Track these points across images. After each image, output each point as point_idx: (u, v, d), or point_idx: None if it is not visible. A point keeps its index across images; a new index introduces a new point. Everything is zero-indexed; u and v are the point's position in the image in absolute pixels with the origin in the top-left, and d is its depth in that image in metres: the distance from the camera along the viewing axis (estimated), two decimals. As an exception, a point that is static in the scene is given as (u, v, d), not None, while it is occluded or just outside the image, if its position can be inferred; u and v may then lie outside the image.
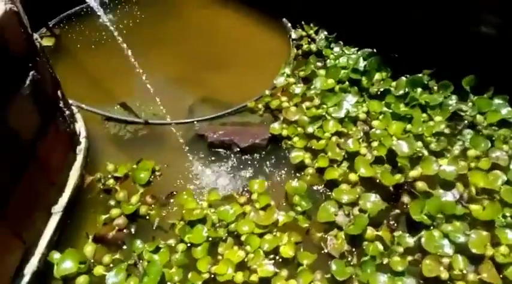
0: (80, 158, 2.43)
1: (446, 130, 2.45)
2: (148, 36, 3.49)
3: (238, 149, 2.54)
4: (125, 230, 2.15)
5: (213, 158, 2.54)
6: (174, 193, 2.30)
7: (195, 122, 2.77)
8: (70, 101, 2.53)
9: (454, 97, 2.62)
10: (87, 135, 2.61)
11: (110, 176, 2.38)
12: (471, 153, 2.28)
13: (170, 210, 2.24)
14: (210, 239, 2.09)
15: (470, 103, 2.55)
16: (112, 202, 2.26)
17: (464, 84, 2.59)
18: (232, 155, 2.54)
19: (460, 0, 2.46)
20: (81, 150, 2.47)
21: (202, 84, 3.14)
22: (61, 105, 2.29)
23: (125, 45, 2.66)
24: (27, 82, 1.86)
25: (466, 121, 2.50)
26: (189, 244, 2.07)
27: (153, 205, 2.24)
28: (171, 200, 2.27)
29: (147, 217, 2.22)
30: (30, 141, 1.92)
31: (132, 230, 2.18)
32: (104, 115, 2.85)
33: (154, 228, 2.17)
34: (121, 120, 2.82)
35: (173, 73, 3.23)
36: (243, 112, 2.86)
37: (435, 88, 2.69)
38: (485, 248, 1.85)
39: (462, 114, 2.54)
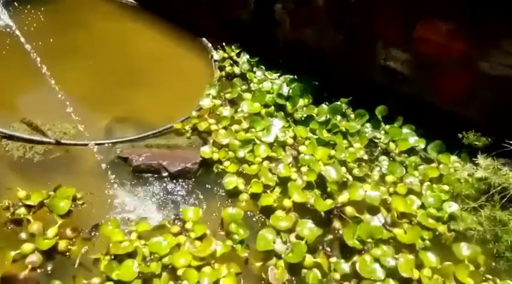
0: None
1: (365, 157, 2.64)
2: (55, 47, 3.13)
3: (167, 174, 2.39)
4: (39, 270, 1.85)
5: (140, 184, 2.35)
6: (99, 224, 2.05)
7: (116, 143, 2.53)
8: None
9: (368, 125, 2.84)
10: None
11: (20, 204, 2.04)
12: (389, 178, 2.49)
13: (94, 244, 1.99)
14: (142, 275, 1.90)
15: (383, 132, 2.79)
16: (23, 236, 1.94)
17: (377, 113, 2.82)
18: (161, 180, 2.38)
19: (369, 36, 2.70)
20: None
21: (119, 102, 2.90)
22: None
23: (33, 54, 2.33)
24: None
25: (380, 148, 2.72)
26: (117, 282, 1.85)
27: (74, 239, 1.98)
28: (95, 232, 2.02)
29: (67, 254, 1.95)
30: None
31: (49, 269, 1.89)
32: (2, 132, 2.44)
33: (75, 266, 1.90)
34: (25, 140, 2.45)
35: (86, 89, 2.93)
36: (169, 134, 2.71)
37: (352, 116, 2.90)
38: (412, 272, 2.02)
39: (377, 141, 2.76)
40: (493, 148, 2.29)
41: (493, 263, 2.07)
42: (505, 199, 2.11)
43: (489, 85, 2.36)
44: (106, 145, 2.52)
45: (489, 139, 2.32)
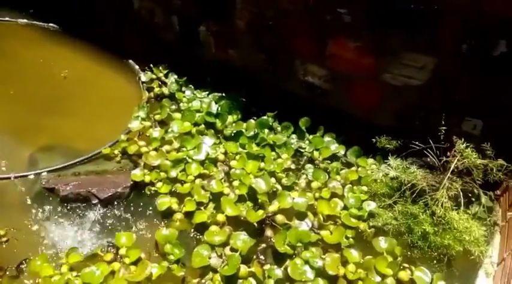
0: None
1: (292, 166, 2.80)
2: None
3: (98, 201, 2.36)
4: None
5: (68, 214, 2.30)
6: (26, 260, 1.98)
7: (41, 174, 2.46)
8: None
9: (294, 136, 3.01)
10: None
11: None
12: (314, 184, 2.66)
13: (23, 281, 1.92)
14: (75, 307, 1.87)
15: (307, 141, 2.98)
16: None
17: (301, 124, 3.01)
18: (91, 208, 2.34)
19: (287, 54, 2.89)
20: None
21: (44, 130, 2.83)
22: None
23: None
24: None
25: (306, 157, 2.90)
26: (49, 319, 1.81)
27: (0, 279, 1.88)
28: (23, 269, 1.95)
29: (-7, 295, 1.86)
30: None
31: (-27, 314, 1.79)
32: None
33: (2, 307, 1.83)
34: None
35: (6, 118, 2.83)
36: (98, 160, 2.68)
37: (279, 128, 3.05)
38: (338, 269, 2.17)
39: (302, 150, 2.94)
40: (402, 150, 2.54)
41: (409, 253, 2.28)
42: (415, 195, 2.36)
43: (394, 94, 2.63)
44: (30, 176, 2.44)
45: (399, 142, 2.56)
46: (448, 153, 2.38)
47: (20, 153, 2.58)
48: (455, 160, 2.33)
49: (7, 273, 1.93)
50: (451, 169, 2.33)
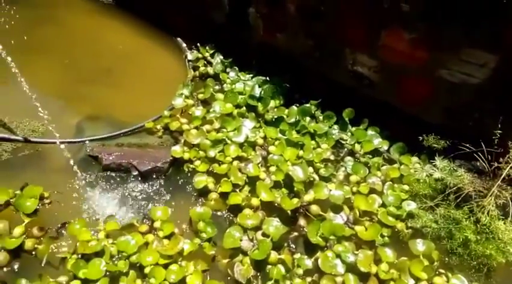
0: None
1: (332, 157, 2.74)
2: (27, 43, 3.10)
3: (137, 173, 2.42)
4: (5, 269, 1.87)
5: (109, 183, 2.36)
6: (66, 223, 2.06)
7: (86, 142, 2.54)
8: None
9: (336, 126, 2.93)
10: None
11: (-15, 203, 2.04)
12: (353, 178, 2.59)
13: (62, 243, 2.00)
14: (109, 273, 1.94)
15: (349, 133, 2.90)
16: (-11, 235, 1.93)
17: (344, 115, 2.93)
18: (130, 179, 2.40)
19: (337, 42, 2.80)
20: None
21: (91, 100, 2.91)
22: None
23: (3, 50, 2.31)
24: None
25: (346, 149, 2.83)
26: (84, 281, 1.88)
27: (41, 238, 1.98)
28: (63, 231, 2.03)
29: (34, 253, 1.96)
30: None
31: (15, 267, 1.90)
32: (-32, 130, 2.42)
33: (42, 265, 1.92)
34: (-7, 137, 2.43)
35: (58, 86, 2.93)
36: (140, 133, 2.74)
37: (321, 118, 2.98)
38: (370, 266, 2.12)
39: (343, 142, 2.86)
40: (450, 151, 2.41)
41: (446, 259, 2.18)
42: (460, 199, 2.24)
43: (448, 91, 2.49)
44: (76, 143, 2.53)
45: (447, 142, 2.43)
46: (501, 159, 2.23)
47: (69, 120, 2.68)
48: (508, 167, 2.19)
49: (47, 233, 2.01)
50: (503, 176, 2.18)
